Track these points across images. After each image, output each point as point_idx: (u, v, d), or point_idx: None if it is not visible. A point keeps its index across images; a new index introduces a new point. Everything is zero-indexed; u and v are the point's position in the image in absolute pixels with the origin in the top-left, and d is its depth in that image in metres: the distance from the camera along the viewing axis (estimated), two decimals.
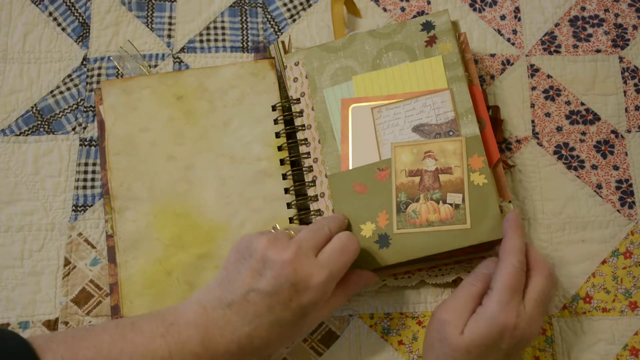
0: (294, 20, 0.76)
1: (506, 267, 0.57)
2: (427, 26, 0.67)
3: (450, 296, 0.59)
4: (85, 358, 0.49)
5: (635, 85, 0.74)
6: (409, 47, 0.67)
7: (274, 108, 0.70)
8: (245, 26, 0.76)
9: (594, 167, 0.72)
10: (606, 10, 0.77)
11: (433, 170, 0.63)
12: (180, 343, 0.51)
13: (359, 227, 0.63)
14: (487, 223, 0.60)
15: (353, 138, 0.66)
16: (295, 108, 0.69)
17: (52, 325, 0.66)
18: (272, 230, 0.58)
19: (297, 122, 0.69)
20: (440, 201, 0.62)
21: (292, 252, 0.54)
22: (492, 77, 0.74)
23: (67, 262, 0.68)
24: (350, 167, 0.65)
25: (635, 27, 0.76)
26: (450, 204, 0.62)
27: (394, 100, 0.66)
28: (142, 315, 0.54)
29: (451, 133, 0.64)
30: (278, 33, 0.76)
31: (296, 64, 0.70)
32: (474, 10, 0.77)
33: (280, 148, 0.68)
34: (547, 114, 0.73)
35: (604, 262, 0.69)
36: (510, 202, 0.65)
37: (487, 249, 0.63)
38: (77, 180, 0.70)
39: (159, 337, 0.51)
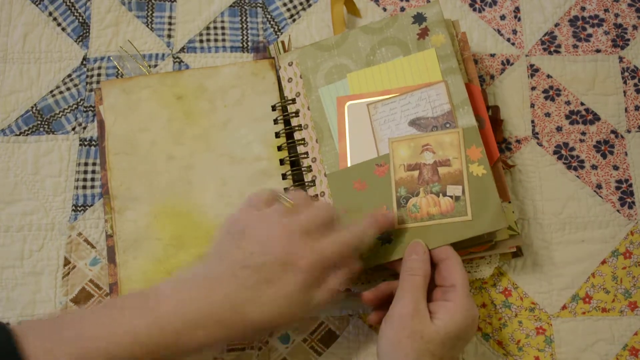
0: (294, 20, 0.76)
1: (458, 262, 0.58)
2: (419, 18, 0.67)
3: (397, 293, 0.57)
4: (68, 337, 0.49)
5: (635, 85, 0.74)
6: (401, 41, 0.67)
7: (273, 108, 0.70)
8: (245, 26, 0.76)
9: (594, 167, 0.72)
10: (606, 10, 0.77)
11: (431, 164, 0.63)
12: (160, 319, 0.50)
13: None
14: (488, 213, 0.60)
15: (350, 135, 0.66)
16: (291, 108, 0.69)
17: None
18: (266, 196, 0.57)
19: (294, 122, 0.69)
20: (440, 194, 0.62)
21: (282, 230, 0.54)
22: (492, 77, 0.74)
23: (67, 262, 0.68)
24: (349, 165, 0.65)
25: (635, 27, 0.76)
26: (450, 196, 0.61)
27: (390, 96, 0.65)
28: (126, 295, 0.53)
29: (448, 125, 0.63)
30: (278, 33, 0.76)
31: (290, 64, 0.70)
32: (474, 10, 0.77)
33: (280, 148, 0.68)
34: (547, 114, 0.73)
35: (603, 262, 0.69)
36: (510, 202, 0.65)
37: (488, 248, 0.63)
38: (77, 180, 0.70)
39: (140, 315, 0.51)
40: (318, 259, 0.54)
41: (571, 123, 0.73)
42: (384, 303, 0.61)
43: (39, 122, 0.72)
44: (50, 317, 0.52)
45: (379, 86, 0.66)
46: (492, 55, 0.75)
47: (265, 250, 0.53)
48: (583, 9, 0.77)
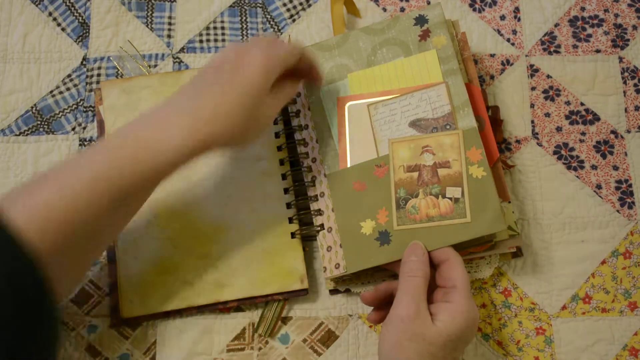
0: (294, 21, 0.76)
1: (459, 263, 0.58)
2: (420, 20, 0.67)
3: (397, 295, 0.58)
4: (48, 192, 0.51)
5: (635, 85, 0.74)
6: (402, 42, 0.67)
7: None
8: (245, 26, 0.76)
9: (594, 167, 0.72)
10: (606, 11, 0.77)
11: (431, 165, 0.63)
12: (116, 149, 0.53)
13: (359, 224, 0.63)
14: (487, 216, 0.60)
15: (350, 136, 0.66)
16: (292, 108, 0.69)
17: None
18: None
19: (294, 122, 0.69)
20: (440, 196, 0.62)
21: (241, 43, 0.58)
22: (492, 77, 0.74)
23: None
24: (349, 165, 0.65)
25: (635, 27, 0.76)
26: (450, 198, 0.61)
27: (390, 97, 0.65)
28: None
29: (448, 127, 0.63)
30: (278, 33, 0.76)
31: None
32: (474, 10, 0.77)
33: (279, 148, 0.68)
34: (547, 114, 0.73)
35: (603, 262, 0.69)
36: (510, 202, 0.65)
37: (488, 249, 0.63)
38: None
39: (98, 152, 0.53)
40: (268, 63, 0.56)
41: (571, 123, 0.73)
42: (384, 303, 0.61)
43: (39, 122, 0.72)
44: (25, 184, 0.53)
45: (379, 86, 0.66)
46: (492, 56, 0.75)
47: (223, 52, 0.58)
48: (583, 9, 0.77)
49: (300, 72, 0.62)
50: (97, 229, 0.53)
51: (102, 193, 0.52)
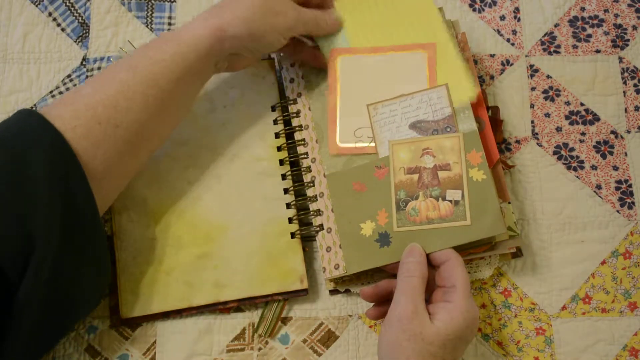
0: None
1: (459, 263, 0.58)
2: None
3: (395, 296, 0.58)
4: (93, 99, 0.55)
5: (635, 85, 0.74)
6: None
7: (273, 108, 0.70)
8: None
9: (594, 167, 0.72)
10: (606, 11, 0.77)
11: (431, 167, 0.63)
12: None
13: (359, 226, 0.63)
14: (487, 219, 0.60)
15: (342, 89, 0.66)
16: (292, 109, 0.69)
17: None
18: None
19: (295, 122, 0.69)
20: (440, 198, 0.62)
21: None
22: (492, 77, 0.74)
23: None
24: (338, 119, 0.65)
25: (634, 28, 0.76)
26: (450, 201, 0.61)
27: (390, 98, 0.65)
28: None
29: (448, 129, 0.63)
30: None
31: (292, 65, 0.70)
32: (474, 10, 0.77)
33: (279, 148, 0.68)
34: (547, 115, 0.73)
35: (603, 262, 0.69)
36: (509, 202, 0.65)
37: (488, 249, 0.63)
38: None
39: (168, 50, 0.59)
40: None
41: (571, 123, 0.73)
42: (384, 300, 0.61)
43: None
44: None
45: (377, 34, 0.67)
46: (492, 56, 0.75)
47: None
48: (583, 9, 0.77)
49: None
50: (136, 131, 0.57)
51: (137, 90, 0.56)
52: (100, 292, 0.60)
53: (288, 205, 0.67)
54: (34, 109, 0.70)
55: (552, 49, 0.75)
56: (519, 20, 0.76)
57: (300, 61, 0.70)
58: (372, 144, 0.64)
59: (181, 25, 0.61)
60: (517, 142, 0.72)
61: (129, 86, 0.56)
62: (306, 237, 0.67)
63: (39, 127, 0.53)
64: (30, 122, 0.53)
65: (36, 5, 0.76)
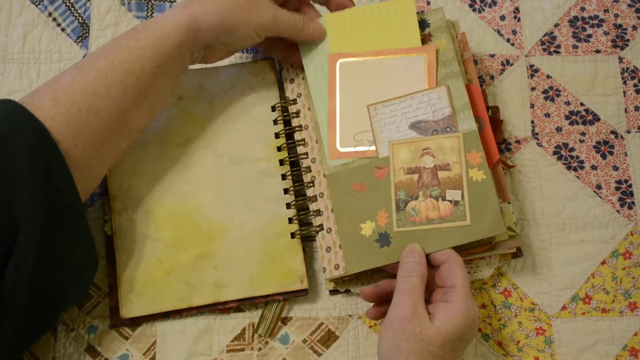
0: None
1: (459, 263, 0.58)
2: (422, 24, 0.67)
3: (394, 296, 0.58)
4: (72, 88, 0.56)
5: (635, 85, 0.74)
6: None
7: (273, 108, 0.70)
8: None
9: (594, 167, 0.72)
10: (606, 11, 0.77)
11: (431, 167, 0.63)
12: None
13: (358, 226, 0.63)
14: (486, 219, 0.60)
15: (341, 93, 0.66)
16: (292, 109, 0.69)
17: None
18: None
19: (295, 122, 0.69)
20: (440, 198, 0.62)
21: None
22: (492, 77, 0.74)
23: None
24: (338, 121, 0.65)
25: (634, 28, 0.76)
26: (450, 201, 0.61)
27: (390, 98, 0.65)
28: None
29: (448, 129, 0.63)
30: None
31: (292, 65, 0.70)
32: (474, 10, 0.77)
33: (279, 148, 0.68)
34: (547, 115, 0.73)
35: (603, 262, 0.69)
36: (509, 202, 0.65)
37: (488, 249, 0.63)
38: None
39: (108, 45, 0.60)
40: None
41: (571, 123, 0.73)
42: (383, 300, 0.61)
43: None
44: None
45: (365, 39, 0.67)
46: (492, 56, 0.75)
47: None
48: (583, 9, 0.77)
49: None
50: (116, 118, 0.58)
51: (115, 79, 0.57)
52: (87, 280, 0.61)
53: (288, 206, 0.67)
54: None
55: (552, 49, 0.75)
56: (519, 20, 0.76)
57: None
58: (372, 148, 0.64)
59: (159, 14, 0.62)
60: (517, 142, 0.72)
61: (107, 74, 0.57)
62: (306, 237, 0.67)
63: (20, 116, 0.53)
64: (10, 111, 0.54)
65: (36, 5, 0.76)
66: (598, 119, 0.73)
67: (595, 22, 0.76)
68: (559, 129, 0.73)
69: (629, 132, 0.73)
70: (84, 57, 0.74)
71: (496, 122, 0.71)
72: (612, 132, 0.73)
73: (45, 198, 0.53)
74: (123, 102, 0.58)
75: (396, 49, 0.66)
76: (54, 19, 0.76)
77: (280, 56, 0.70)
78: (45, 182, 0.53)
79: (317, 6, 0.70)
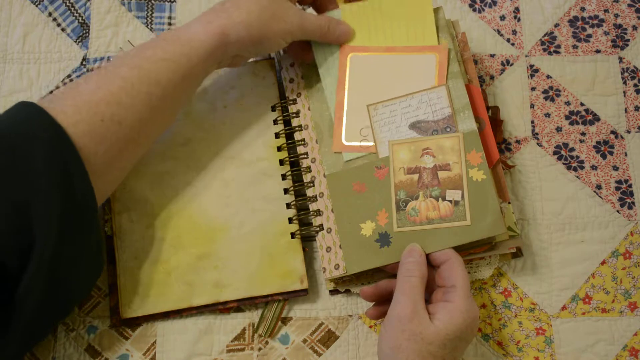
0: None
1: (459, 263, 0.58)
2: None
3: (394, 296, 0.58)
4: (95, 96, 0.56)
5: (635, 85, 0.74)
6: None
7: (273, 108, 0.70)
8: None
9: (594, 167, 0.72)
10: (606, 11, 0.77)
11: (431, 167, 0.63)
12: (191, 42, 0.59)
13: (359, 226, 0.63)
14: (486, 219, 0.60)
15: (350, 86, 0.66)
16: (292, 109, 0.69)
17: None
18: None
19: (294, 122, 0.69)
20: (440, 198, 0.62)
21: None
22: (492, 77, 0.74)
23: None
24: (345, 114, 0.65)
25: (635, 28, 0.76)
26: (450, 201, 0.61)
27: (390, 98, 0.65)
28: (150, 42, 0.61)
29: (448, 129, 0.63)
30: None
31: (292, 65, 0.70)
32: (474, 10, 0.77)
33: (279, 148, 0.68)
34: (547, 115, 0.73)
35: (603, 262, 0.69)
36: (509, 203, 0.65)
37: (488, 249, 0.63)
38: None
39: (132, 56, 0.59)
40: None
41: (571, 123, 0.73)
42: (384, 300, 0.61)
43: None
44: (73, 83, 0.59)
45: (379, 33, 0.67)
46: (492, 56, 0.75)
47: None
48: (583, 9, 0.77)
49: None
50: (138, 128, 0.58)
51: (141, 89, 0.57)
52: (91, 283, 0.61)
53: (288, 206, 0.67)
54: None
55: (552, 49, 0.75)
56: (519, 20, 0.76)
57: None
58: None
59: (181, 25, 0.61)
60: (517, 142, 0.72)
61: (132, 84, 0.57)
62: (306, 237, 0.67)
63: (42, 121, 0.53)
64: (32, 115, 0.54)
65: (36, 5, 0.76)
66: (598, 119, 0.73)
67: (595, 22, 0.76)
68: (559, 129, 0.73)
69: (629, 132, 0.73)
70: (83, 57, 0.74)
71: (496, 122, 0.71)
72: (612, 132, 0.73)
73: (63, 202, 0.52)
74: (146, 112, 0.58)
75: (408, 47, 0.66)
76: (54, 19, 0.76)
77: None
78: (64, 190, 0.53)
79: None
